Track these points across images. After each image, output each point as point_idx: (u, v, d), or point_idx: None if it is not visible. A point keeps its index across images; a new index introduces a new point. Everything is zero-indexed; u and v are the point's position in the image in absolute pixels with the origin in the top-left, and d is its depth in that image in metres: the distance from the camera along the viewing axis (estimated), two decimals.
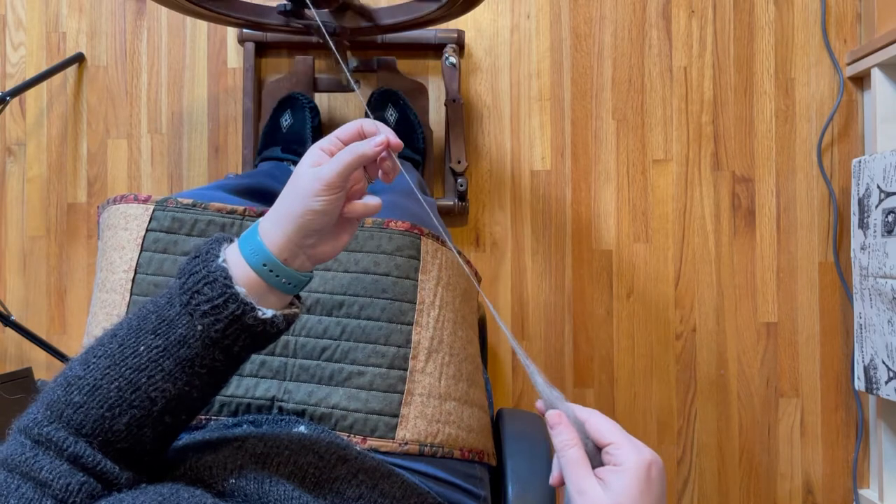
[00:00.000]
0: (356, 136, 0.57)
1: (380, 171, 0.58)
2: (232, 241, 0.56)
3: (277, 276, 0.54)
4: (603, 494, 0.48)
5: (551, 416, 0.52)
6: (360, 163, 0.55)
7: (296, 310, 0.57)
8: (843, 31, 1.52)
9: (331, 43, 0.76)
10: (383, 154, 0.56)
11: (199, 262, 0.53)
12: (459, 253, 0.86)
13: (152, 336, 0.51)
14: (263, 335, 0.54)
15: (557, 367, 1.50)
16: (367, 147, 0.55)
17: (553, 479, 0.53)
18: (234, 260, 0.54)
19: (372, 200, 0.58)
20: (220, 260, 0.53)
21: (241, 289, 0.52)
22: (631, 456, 0.49)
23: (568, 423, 0.51)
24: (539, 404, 0.55)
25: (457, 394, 0.79)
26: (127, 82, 1.54)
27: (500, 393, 1.50)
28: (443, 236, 0.85)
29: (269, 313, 0.53)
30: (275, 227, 0.54)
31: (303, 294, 0.73)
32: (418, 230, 0.82)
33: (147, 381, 0.50)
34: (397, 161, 0.58)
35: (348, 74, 0.84)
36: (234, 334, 0.52)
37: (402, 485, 0.64)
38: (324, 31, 0.91)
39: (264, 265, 0.53)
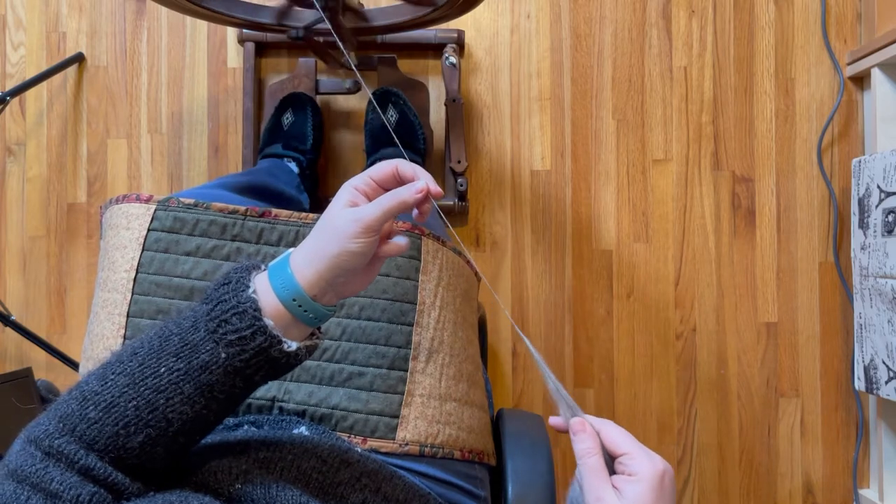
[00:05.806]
0: (391, 177, 0.58)
1: (415, 211, 0.59)
2: (260, 267, 0.56)
3: (305, 310, 0.54)
4: (618, 502, 0.50)
5: (575, 423, 0.54)
6: (401, 210, 0.56)
7: (317, 340, 0.58)
8: (843, 31, 1.52)
9: (340, 43, 0.75)
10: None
11: (228, 290, 0.53)
12: (460, 253, 0.86)
13: (174, 359, 0.51)
14: (285, 366, 0.54)
15: (557, 367, 1.50)
16: (408, 195, 0.56)
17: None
18: (264, 291, 0.54)
19: (402, 241, 0.59)
20: (251, 290, 0.53)
21: (269, 321, 0.52)
22: (645, 466, 0.51)
23: (591, 431, 0.53)
24: (554, 420, 0.56)
25: (457, 394, 0.79)
26: (127, 82, 1.54)
27: (500, 393, 1.50)
28: (444, 237, 0.85)
29: (293, 346, 0.53)
30: (307, 263, 0.55)
31: None
32: (419, 231, 0.82)
33: (165, 402, 0.51)
34: (434, 203, 0.59)
35: (357, 74, 0.83)
36: (258, 365, 0.52)
37: (405, 487, 0.65)
38: (335, 34, 0.90)
39: (294, 300, 0.54)
